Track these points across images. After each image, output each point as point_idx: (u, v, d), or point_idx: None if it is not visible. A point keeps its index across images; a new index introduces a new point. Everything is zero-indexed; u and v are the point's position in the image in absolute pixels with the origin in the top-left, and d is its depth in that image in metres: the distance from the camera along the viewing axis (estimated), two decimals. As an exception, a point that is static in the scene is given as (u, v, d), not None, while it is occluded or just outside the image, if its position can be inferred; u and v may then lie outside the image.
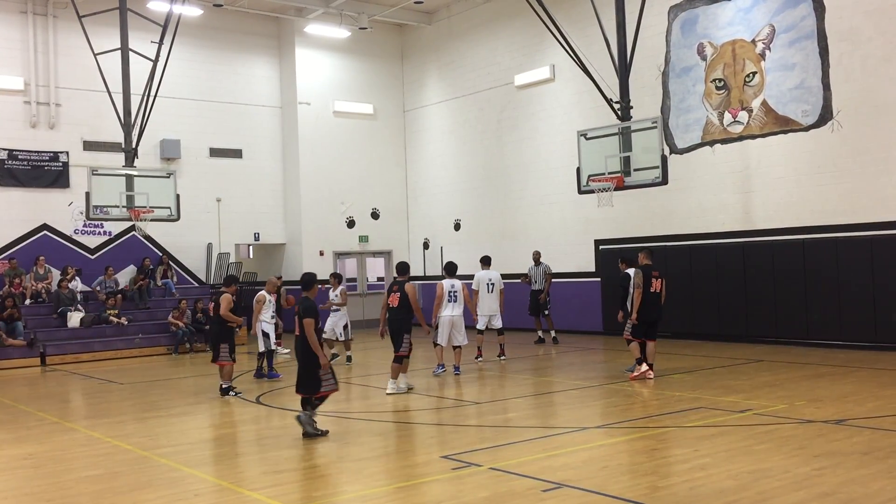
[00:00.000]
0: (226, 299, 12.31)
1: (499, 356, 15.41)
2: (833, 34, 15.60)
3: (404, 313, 11.89)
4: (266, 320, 14.31)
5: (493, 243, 21.86)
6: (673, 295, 17.65)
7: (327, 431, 9.05)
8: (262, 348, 14.24)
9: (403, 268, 12.67)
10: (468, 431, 9.17)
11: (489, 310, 15.04)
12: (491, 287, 15.05)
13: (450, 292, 13.55)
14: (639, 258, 12.96)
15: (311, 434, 8.88)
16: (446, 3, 23.64)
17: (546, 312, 18.01)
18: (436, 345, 13.75)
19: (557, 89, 20.92)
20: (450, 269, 13.95)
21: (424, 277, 24.69)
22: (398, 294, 11.98)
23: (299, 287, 9.69)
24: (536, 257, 18.36)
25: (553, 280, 18.13)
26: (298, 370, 9.24)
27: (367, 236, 24.93)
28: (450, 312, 13.57)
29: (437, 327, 13.61)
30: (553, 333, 18.16)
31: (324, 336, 15.51)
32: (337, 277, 16.24)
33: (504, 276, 15.81)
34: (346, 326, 16.15)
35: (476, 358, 15.25)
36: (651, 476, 6.97)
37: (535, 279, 18.09)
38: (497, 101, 22.52)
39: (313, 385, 9.06)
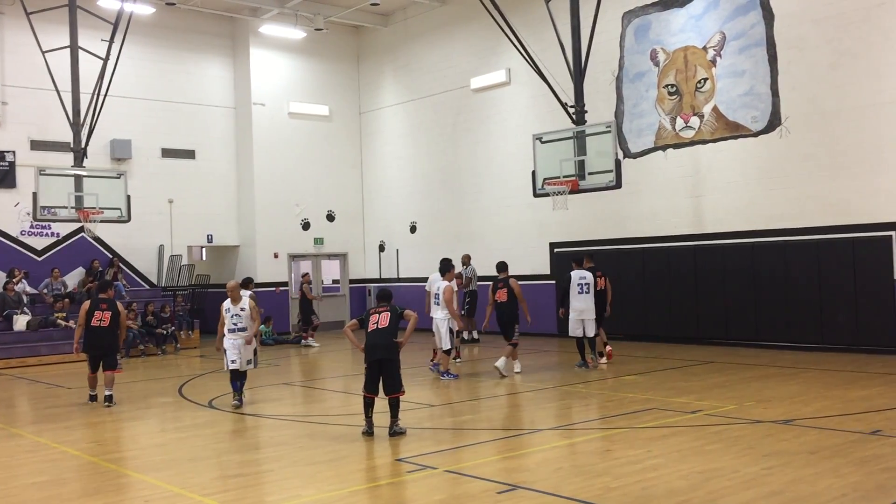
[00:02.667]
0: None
1: (454, 358, 15.49)
2: (781, 42, 15.94)
3: (512, 306, 13.39)
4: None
5: (449, 246, 21.87)
6: (625, 297, 17.97)
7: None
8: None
9: (503, 266, 14.00)
10: (423, 434, 9.16)
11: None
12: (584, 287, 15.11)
13: (435, 294, 13.43)
14: (583, 262, 14.56)
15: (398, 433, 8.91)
16: (402, 5, 23.62)
17: (463, 313, 18.18)
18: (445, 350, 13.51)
19: (513, 93, 21.03)
20: (441, 268, 13.61)
21: (379, 280, 24.63)
22: (505, 290, 13.41)
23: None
24: (466, 260, 19.24)
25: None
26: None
27: (322, 238, 24.77)
28: (432, 314, 13.47)
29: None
30: (475, 334, 19.10)
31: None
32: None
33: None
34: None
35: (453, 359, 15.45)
36: (604, 477, 7.04)
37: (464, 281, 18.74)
38: (453, 104, 22.56)
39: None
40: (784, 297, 15.87)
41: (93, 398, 12.17)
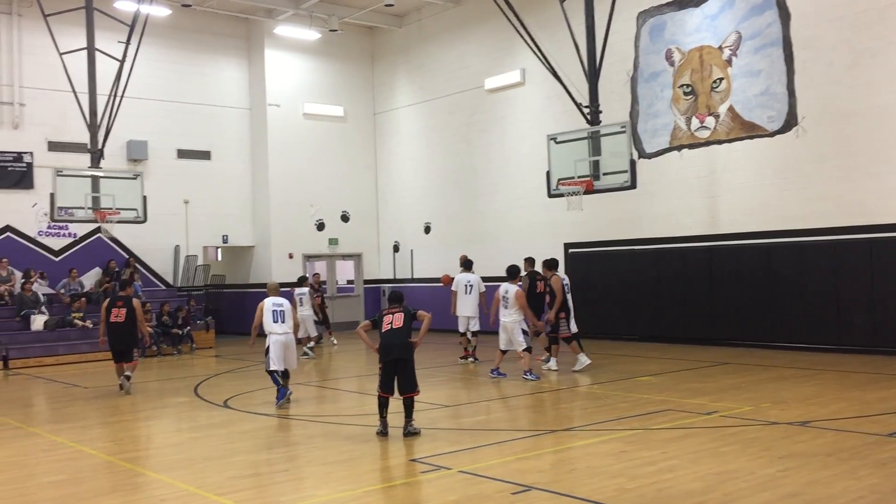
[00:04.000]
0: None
1: (468, 358, 15.57)
2: (797, 41, 15.84)
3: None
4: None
5: (463, 247, 21.83)
6: (640, 299, 17.92)
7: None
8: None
9: (552, 263, 14.35)
10: (438, 435, 9.16)
11: (470, 311, 15.49)
12: (469, 289, 15.47)
13: (503, 297, 13.31)
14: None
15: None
16: (417, 6, 23.65)
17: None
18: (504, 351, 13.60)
19: (527, 93, 21.01)
20: (510, 273, 13.51)
21: (394, 280, 24.66)
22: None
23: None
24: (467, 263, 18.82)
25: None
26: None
27: (336, 239, 24.83)
28: (501, 317, 13.36)
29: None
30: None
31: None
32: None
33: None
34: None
35: (462, 358, 15.76)
36: (619, 478, 7.01)
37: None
38: (467, 104, 22.56)
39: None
40: (800, 298, 15.76)
41: (121, 387, 13.12)
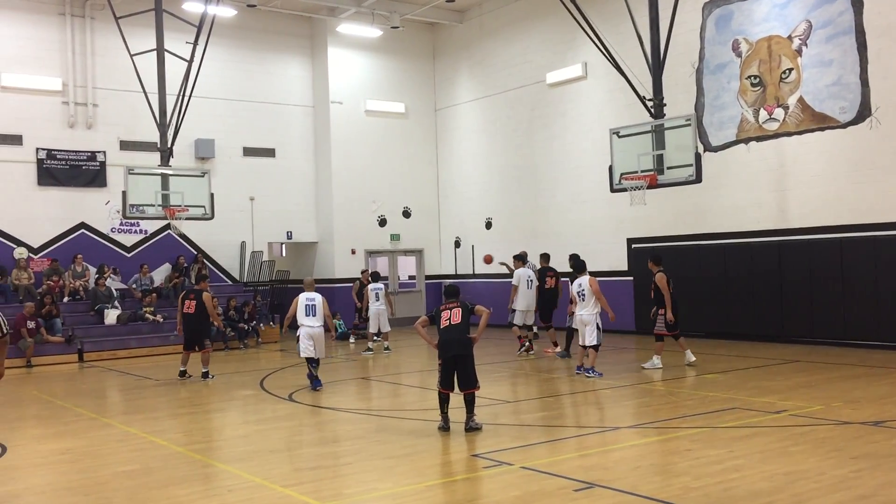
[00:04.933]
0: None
1: (526, 351, 16.04)
2: (871, 30, 15.34)
3: (660, 302, 13.67)
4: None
5: (525, 242, 21.77)
6: (706, 295, 17.59)
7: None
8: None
9: (657, 258, 14.35)
10: (499, 430, 9.15)
11: (527, 305, 15.90)
12: (530, 284, 15.92)
13: (578, 292, 13.17)
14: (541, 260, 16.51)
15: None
16: (478, 1, 23.61)
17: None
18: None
19: (589, 87, 20.80)
20: (578, 267, 13.47)
21: (455, 276, 24.70)
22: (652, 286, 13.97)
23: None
24: (523, 257, 18.71)
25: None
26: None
27: (398, 235, 24.99)
28: (578, 311, 13.16)
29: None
30: (535, 329, 18.66)
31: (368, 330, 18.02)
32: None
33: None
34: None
35: (521, 350, 16.07)
36: (684, 477, 6.91)
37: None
38: (528, 99, 22.45)
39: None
40: (874, 295, 15.28)
41: (182, 374, 14.15)
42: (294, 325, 12.83)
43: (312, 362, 12.51)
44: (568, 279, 14.57)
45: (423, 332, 9.51)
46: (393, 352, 17.66)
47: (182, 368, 14.18)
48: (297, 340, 12.53)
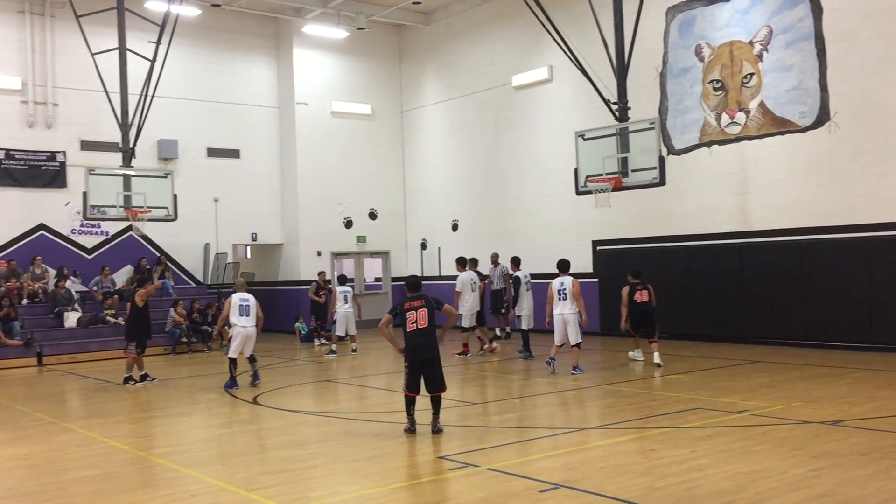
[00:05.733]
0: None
1: (481, 350, 16.56)
2: (830, 35, 15.63)
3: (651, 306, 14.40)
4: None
5: (491, 244, 21.84)
6: (670, 296, 17.78)
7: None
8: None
9: (636, 272, 14.84)
10: (465, 432, 9.16)
11: (472, 308, 16.24)
12: (474, 286, 16.38)
13: (559, 290, 13.53)
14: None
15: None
16: (444, 3, 23.64)
17: (504, 311, 19.00)
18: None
19: (555, 90, 20.93)
20: (563, 266, 13.92)
21: (421, 278, 24.60)
22: (645, 291, 14.38)
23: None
24: (495, 259, 19.40)
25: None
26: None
27: (364, 237, 24.92)
28: (560, 310, 13.51)
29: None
30: (508, 329, 19.34)
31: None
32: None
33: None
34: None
35: (478, 351, 16.47)
36: (648, 477, 6.97)
37: (493, 280, 19.13)
38: (495, 101, 22.52)
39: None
40: (833, 296, 15.55)
41: (141, 377, 13.99)
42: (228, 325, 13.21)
43: (249, 359, 13.04)
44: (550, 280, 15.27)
45: (389, 333, 9.31)
46: (359, 353, 17.60)
47: (139, 373, 14.03)
48: (229, 340, 12.95)
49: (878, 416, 9.22)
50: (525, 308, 16.11)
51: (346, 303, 17.64)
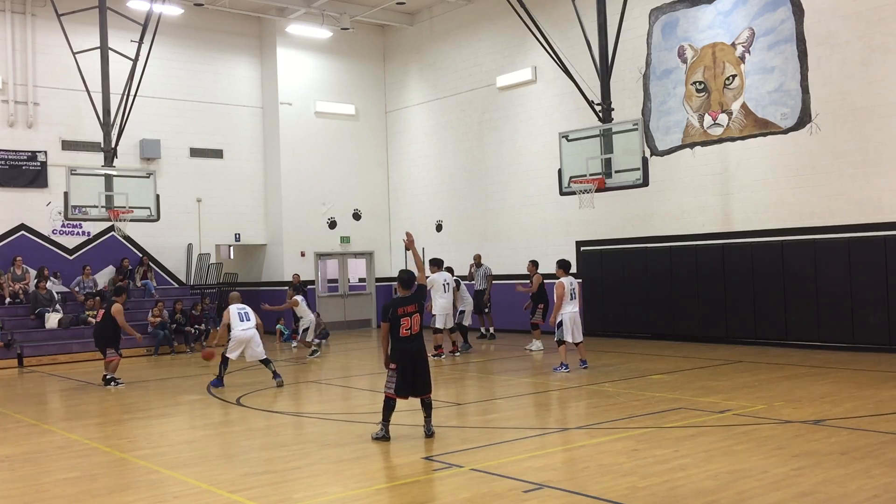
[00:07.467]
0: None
1: (452, 352, 16.47)
2: (811, 38, 15.75)
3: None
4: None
5: (475, 244, 21.89)
6: (653, 297, 17.87)
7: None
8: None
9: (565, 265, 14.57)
10: (449, 433, 9.16)
11: (444, 309, 15.99)
12: (447, 287, 16.11)
13: (570, 290, 13.80)
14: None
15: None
16: (428, 4, 23.64)
17: (487, 311, 19.36)
18: (560, 343, 13.70)
19: (539, 91, 20.98)
20: (565, 267, 14.13)
21: (406, 278, 24.60)
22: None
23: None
24: (477, 260, 19.76)
25: (543, 281, 18.21)
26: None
27: (348, 237, 24.88)
28: (571, 309, 13.75)
29: (559, 325, 13.77)
30: (492, 330, 19.55)
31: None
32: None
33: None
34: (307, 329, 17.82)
35: (451, 353, 16.41)
36: (631, 476, 7.00)
37: (477, 280, 19.35)
38: (479, 102, 22.55)
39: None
40: (814, 296, 15.68)
41: (108, 381, 14.03)
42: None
43: (264, 362, 13.28)
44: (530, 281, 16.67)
45: (386, 343, 8.89)
46: (342, 353, 17.57)
47: (108, 375, 14.07)
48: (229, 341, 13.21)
49: (859, 416, 9.30)
50: (438, 308, 15.79)
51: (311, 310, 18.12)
